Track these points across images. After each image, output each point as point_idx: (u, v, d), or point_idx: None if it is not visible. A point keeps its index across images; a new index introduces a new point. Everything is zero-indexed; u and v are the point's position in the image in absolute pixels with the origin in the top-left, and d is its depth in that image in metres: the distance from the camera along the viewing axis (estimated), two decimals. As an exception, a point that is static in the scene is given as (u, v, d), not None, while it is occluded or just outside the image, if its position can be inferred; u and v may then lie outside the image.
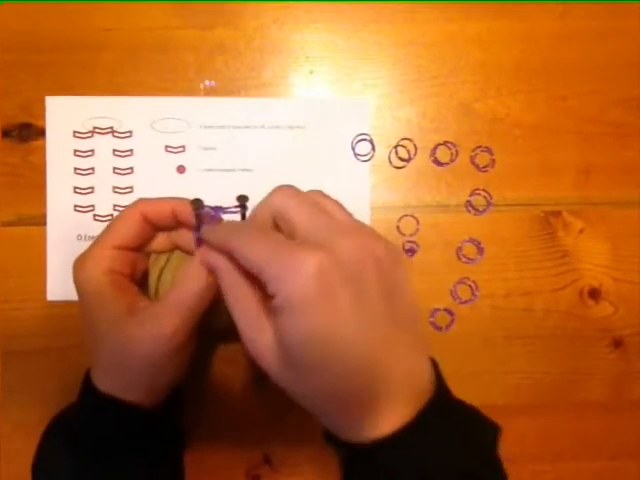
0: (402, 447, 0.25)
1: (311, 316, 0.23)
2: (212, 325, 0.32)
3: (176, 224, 0.33)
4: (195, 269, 0.30)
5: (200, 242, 0.30)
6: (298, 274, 0.23)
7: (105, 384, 0.31)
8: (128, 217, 0.31)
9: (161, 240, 0.34)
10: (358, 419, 0.26)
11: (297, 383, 0.25)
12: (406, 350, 0.26)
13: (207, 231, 0.29)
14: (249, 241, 0.26)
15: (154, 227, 0.33)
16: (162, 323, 0.29)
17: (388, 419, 0.25)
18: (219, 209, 0.31)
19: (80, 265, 0.31)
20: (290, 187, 0.28)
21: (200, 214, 0.30)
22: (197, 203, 0.30)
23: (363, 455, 0.26)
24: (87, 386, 0.32)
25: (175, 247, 0.34)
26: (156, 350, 0.29)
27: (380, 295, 0.25)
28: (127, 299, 0.31)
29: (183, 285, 0.30)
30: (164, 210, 0.32)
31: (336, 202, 0.28)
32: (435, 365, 0.28)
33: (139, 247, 0.33)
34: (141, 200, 0.32)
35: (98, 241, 0.31)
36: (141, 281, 0.34)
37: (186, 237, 0.33)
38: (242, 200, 0.31)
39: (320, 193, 0.28)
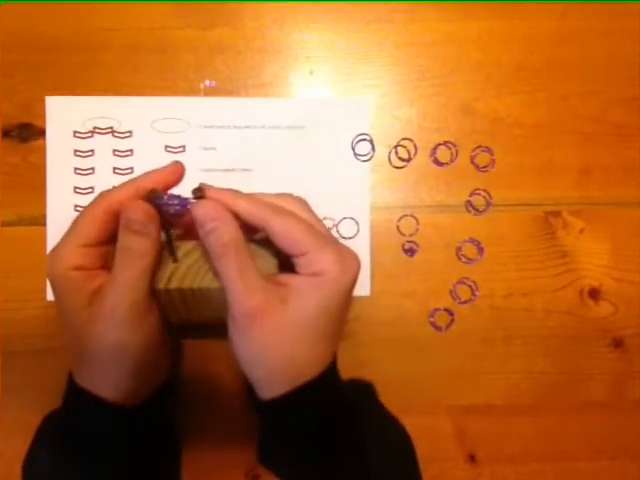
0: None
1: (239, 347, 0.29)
2: (196, 318, 0.32)
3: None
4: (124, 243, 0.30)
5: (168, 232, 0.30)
6: (241, 333, 0.28)
7: (83, 381, 0.31)
8: (91, 216, 0.30)
9: None
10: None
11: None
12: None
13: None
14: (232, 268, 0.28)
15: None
16: (103, 300, 0.29)
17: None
18: (176, 197, 0.29)
19: (49, 263, 0.31)
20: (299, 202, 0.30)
21: (160, 204, 0.29)
22: (153, 194, 0.29)
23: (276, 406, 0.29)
24: (69, 385, 0.32)
25: None
26: (109, 332, 0.29)
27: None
28: (92, 289, 0.30)
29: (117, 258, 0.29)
30: (128, 198, 0.30)
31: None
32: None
33: (109, 240, 0.31)
34: (102, 195, 0.31)
35: (64, 239, 0.31)
36: None
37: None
38: (198, 192, 0.29)
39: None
